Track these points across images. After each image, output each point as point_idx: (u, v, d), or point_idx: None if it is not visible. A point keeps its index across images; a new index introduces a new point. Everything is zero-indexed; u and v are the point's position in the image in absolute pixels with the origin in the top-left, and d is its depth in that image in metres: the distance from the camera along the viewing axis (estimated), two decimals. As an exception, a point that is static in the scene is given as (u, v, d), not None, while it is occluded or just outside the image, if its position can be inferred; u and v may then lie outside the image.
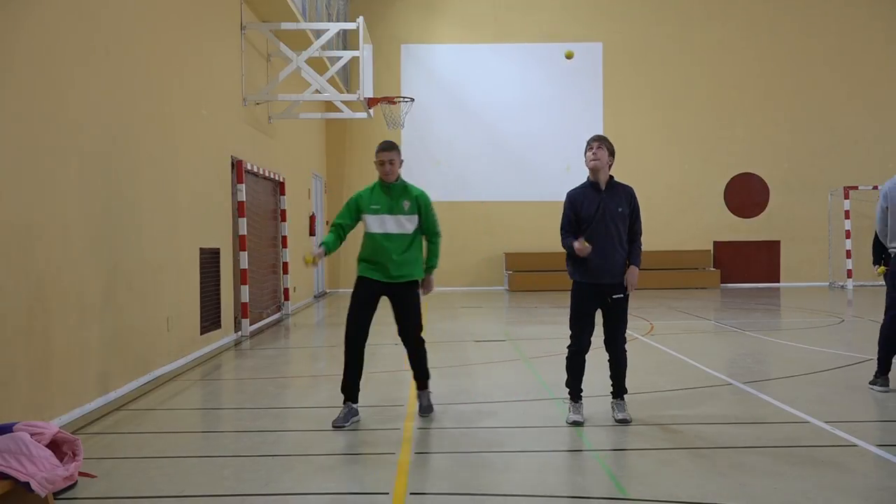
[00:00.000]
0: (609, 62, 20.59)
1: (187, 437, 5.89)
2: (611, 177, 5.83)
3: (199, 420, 6.61)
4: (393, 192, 5.99)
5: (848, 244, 19.39)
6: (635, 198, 5.84)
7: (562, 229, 5.81)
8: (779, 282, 20.80)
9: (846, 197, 19.45)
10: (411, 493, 4.30)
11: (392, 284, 5.97)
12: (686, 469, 4.69)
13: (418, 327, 6.12)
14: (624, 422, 5.75)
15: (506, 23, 20.57)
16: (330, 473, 4.80)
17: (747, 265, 20.70)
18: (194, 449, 5.51)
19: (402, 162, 6.07)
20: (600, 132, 20.36)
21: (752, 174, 20.76)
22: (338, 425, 5.84)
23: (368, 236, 6.00)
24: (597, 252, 5.63)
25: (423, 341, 6.19)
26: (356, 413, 6.02)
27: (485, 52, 20.57)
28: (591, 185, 5.79)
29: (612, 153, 5.77)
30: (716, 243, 20.77)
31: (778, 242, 20.83)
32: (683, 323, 12.38)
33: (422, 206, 6.01)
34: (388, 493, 4.32)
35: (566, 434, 5.56)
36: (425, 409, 6.11)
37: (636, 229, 5.82)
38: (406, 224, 5.96)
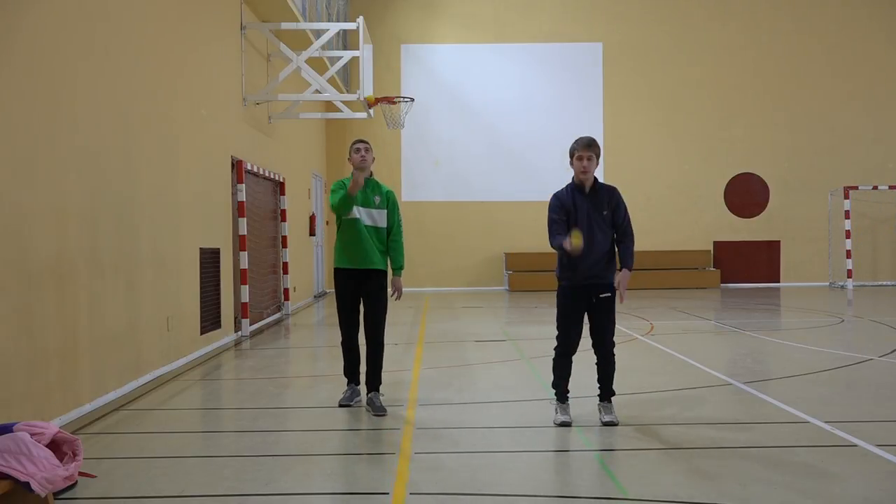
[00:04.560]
0: (609, 62, 20.60)
1: (187, 437, 5.89)
2: (595, 179, 5.82)
3: (199, 420, 6.61)
4: (366, 187, 6.37)
5: (848, 244, 19.40)
6: (620, 197, 5.84)
7: (550, 230, 5.74)
8: (779, 282, 20.80)
9: (846, 197, 19.46)
10: (411, 493, 4.30)
11: (367, 273, 6.33)
12: (686, 469, 4.69)
13: (382, 324, 6.41)
14: (611, 424, 5.70)
15: (506, 23, 20.58)
16: (330, 473, 4.80)
17: (747, 265, 20.70)
18: (194, 449, 5.51)
19: (374, 160, 6.48)
20: (600, 132, 20.40)
21: (752, 174, 20.76)
22: (344, 404, 6.42)
23: (345, 223, 6.36)
24: (584, 255, 5.62)
25: (383, 343, 6.45)
26: (359, 393, 6.56)
27: (485, 52, 20.57)
28: (575, 188, 5.79)
29: (599, 157, 5.76)
30: (716, 243, 20.77)
31: (778, 242, 20.83)
32: (683, 323, 12.38)
33: (390, 203, 6.46)
34: (388, 493, 4.32)
35: (566, 434, 5.56)
36: (379, 409, 6.17)
37: (625, 229, 5.79)
38: (377, 218, 6.41)
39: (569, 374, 5.86)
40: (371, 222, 6.35)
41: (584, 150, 5.69)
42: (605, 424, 5.71)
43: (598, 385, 5.88)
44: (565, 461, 5.06)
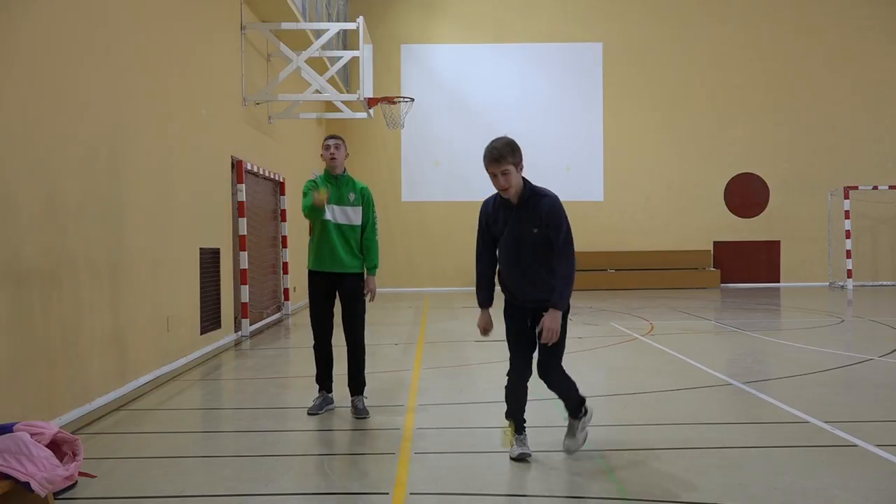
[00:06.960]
0: (609, 62, 20.60)
1: (187, 437, 5.89)
2: (528, 187, 4.72)
3: (199, 420, 6.60)
4: (340, 183, 6.25)
5: (848, 244, 19.41)
6: (556, 209, 4.66)
7: (476, 248, 4.92)
8: (779, 282, 20.81)
9: (846, 197, 19.46)
10: (411, 493, 4.30)
11: (340, 275, 6.19)
12: (686, 469, 4.69)
13: (361, 325, 6.28)
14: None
15: (506, 23, 20.59)
16: (330, 473, 4.80)
17: (747, 265, 20.71)
18: (194, 449, 5.51)
19: (347, 155, 6.36)
20: (600, 132, 20.41)
21: (752, 174, 20.77)
22: (312, 413, 6.22)
23: (316, 224, 6.22)
24: (520, 275, 4.78)
25: (363, 345, 6.31)
26: (331, 401, 6.40)
27: (485, 52, 20.58)
28: (503, 200, 4.78)
29: (519, 161, 4.61)
30: (716, 243, 20.78)
31: (778, 242, 20.84)
32: (683, 323, 12.38)
33: (365, 200, 6.28)
34: (388, 493, 4.32)
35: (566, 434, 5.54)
36: (361, 412, 6.12)
37: (560, 248, 4.65)
38: (352, 215, 6.21)
39: (525, 401, 4.97)
40: (345, 220, 6.16)
41: (493, 165, 4.57)
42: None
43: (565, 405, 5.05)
44: (565, 461, 5.05)
